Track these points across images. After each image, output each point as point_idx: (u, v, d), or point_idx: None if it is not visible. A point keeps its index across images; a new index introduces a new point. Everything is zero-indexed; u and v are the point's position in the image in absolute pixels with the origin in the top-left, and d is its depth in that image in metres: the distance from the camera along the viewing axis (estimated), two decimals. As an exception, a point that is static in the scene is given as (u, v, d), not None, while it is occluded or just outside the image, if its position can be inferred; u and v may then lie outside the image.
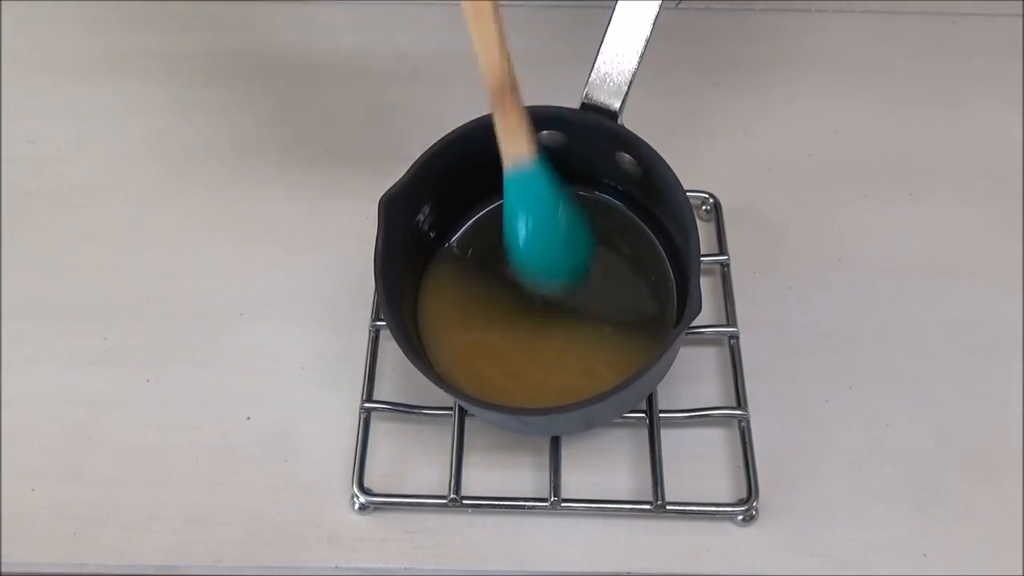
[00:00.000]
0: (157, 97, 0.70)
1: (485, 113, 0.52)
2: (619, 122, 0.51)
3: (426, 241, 0.56)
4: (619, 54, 0.50)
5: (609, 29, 0.51)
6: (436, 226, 0.56)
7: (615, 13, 0.50)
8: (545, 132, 0.53)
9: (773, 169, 0.67)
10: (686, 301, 0.47)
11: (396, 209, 0.50)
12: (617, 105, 0.51)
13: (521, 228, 0.47)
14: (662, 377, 0.54)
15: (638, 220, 0.57)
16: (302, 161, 0.66)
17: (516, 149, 0.45)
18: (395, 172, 0.64)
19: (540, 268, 0.49)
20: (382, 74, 0.71)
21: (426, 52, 0.71)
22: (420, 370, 0.47)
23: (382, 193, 0.63)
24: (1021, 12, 0.76)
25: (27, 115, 0.69)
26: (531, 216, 0.46)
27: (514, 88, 0.44)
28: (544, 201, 0.47)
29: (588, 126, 0.52)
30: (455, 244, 0.57)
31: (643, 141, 0.51)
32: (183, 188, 0.65)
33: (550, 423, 0.51)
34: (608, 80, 0.50)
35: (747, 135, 0.68)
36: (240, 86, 0.70)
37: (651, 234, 0.56)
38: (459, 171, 0.53)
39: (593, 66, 0.51)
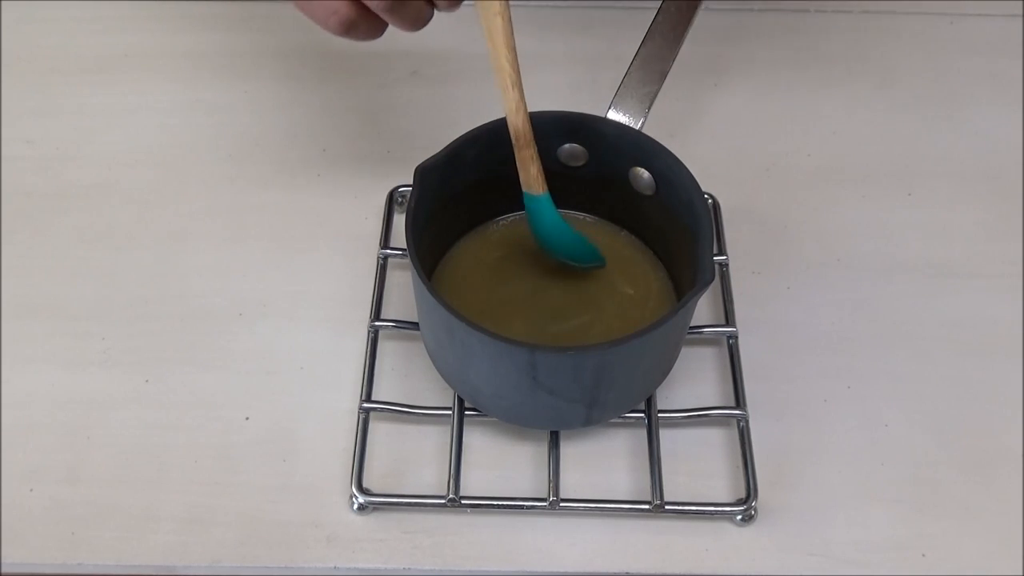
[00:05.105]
0: (157, 97, 0.70)
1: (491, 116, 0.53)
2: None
3: (452, 226, 0.58)
4: (645, 75, 0.57)
5: (638, 54, 0.57)
6: (464, 215, 0.58)
7: (644, 43, 0.58)
8: (567, 145, 0.56)
9: (772, 169, 0.67)
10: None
11: (428, 182, 0.52)
12: (640, 123, 0.56)
13: (538, 234, 0.55)
14: (667, 371, 0.54)
15: (642, 243, 0.59)
16: (301, 161, 0.66)
17: (527, 180, 0.53)
18: (395, 172, 0.64)
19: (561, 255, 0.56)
20: (382, 74, 0.71)
21: (426, 52, 0.71)
22: (431, 293, 0.48)
23: (382, 193, 0.64)
24: (1021, 12, 0.76)
25: (27, 115, 0.69)
26: (540, 232, 0.55)
27: (528, 138, 0.51)
28: (552, 223, 0.55)
29: (613, 135, 0.55)
30: (478, 236, 0.59)
31: (665, 148, 0.53)
32: (183, 188, 0.65)
33: (555, 404, 0.51)
34: (632, 97, 0.57)
35: (746, 135, 0.68)
36: (239, 86, 0.70)
37: (654, 255, 0.58)
38: (491, 165, 0.54)
39: (621, 84, 0.57)
